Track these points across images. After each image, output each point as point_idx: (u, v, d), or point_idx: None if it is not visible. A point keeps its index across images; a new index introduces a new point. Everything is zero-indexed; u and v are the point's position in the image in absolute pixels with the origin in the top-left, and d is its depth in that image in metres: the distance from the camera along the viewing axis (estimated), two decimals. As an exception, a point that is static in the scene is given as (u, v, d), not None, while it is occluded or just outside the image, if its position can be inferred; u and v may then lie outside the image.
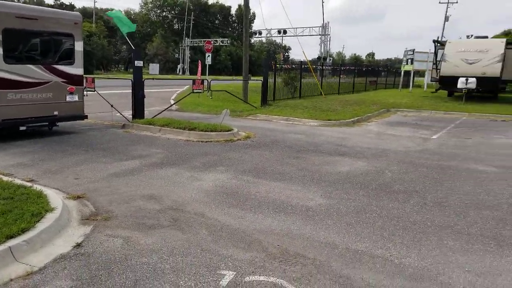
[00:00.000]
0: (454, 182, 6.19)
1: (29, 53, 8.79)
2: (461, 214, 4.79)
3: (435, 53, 21.85)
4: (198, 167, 6.65)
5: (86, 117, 10.11)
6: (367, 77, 30.46)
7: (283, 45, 78.49)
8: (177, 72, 69.23)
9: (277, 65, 18.43)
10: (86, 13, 71.10)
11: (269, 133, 10.48)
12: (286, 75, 19.37)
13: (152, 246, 3.65)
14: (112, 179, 5.81)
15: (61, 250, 3.49)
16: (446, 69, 19.47)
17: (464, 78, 18.07)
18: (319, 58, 31.99)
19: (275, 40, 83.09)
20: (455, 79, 18.48)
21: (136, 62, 11.30)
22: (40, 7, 13.18)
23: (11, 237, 3.35)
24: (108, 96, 12.61)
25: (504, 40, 20.02)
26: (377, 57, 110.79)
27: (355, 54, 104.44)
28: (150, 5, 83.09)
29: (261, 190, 5.49)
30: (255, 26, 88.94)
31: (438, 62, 21.11)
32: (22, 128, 8.67)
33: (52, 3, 70.26)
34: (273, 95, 17.48)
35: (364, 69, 31.81)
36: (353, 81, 27.25)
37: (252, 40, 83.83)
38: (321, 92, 22.09)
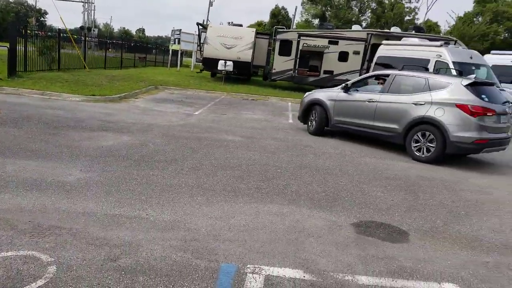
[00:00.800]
0: (208, 150, 7.21)
1: None
2: (210, 175, 5.71)
3: (199, 36, 23.77)
4: None
5: None
6: (136, 53, 30.28)
7: (37, 8, 67.80)
8: None
9: (29, 31, 16.03)
10: None
11: (19, 108, 9.24)
12: (41, 43, 17.09)
13: None
14: None
15: None
16: (208, 52, 21.56)
17: (223, 61, 20.44)
18: (82, 28, 29.44)
19: (26, 1, 70.76)
20: (216, 61, 20.67)
21: None
22: None
23: None
24: None
25: (254, 30, 23.69)
26: (148, 33, 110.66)
27: (124, 28, 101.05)
28: None
29: (8, 170, 4.95)
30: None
31: (201, 44, 23.06)
32: None
33: None
34: (25, 66, 15.13)
35: (133, 45, 31.44)
36: (121, 56, 26.56)
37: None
38: (84, 66, 20.63)
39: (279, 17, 50.09)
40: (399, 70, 9.26)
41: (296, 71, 20.44)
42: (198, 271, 3.12)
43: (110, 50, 26.39)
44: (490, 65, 15.82)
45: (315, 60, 20.68)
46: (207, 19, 33.31)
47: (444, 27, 47.39)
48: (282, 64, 20.80)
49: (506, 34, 44.19)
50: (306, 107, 10.11)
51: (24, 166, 5.18)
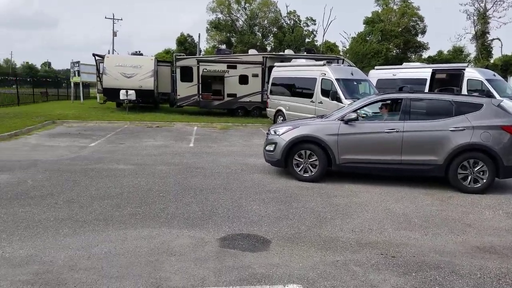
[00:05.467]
0: (92, 181, 7.25)
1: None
2: (85, 206, 5.79)
3: (97, 67, 23.39)
4: None
5: None
6: (35, 87, 28.65)
7: None
8: None
9: None
10: None
11: None
12: None
13: None
14: None
15: None
16: (108, 82, 21.28)
17: (125, 91, 20.29)
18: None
19: None
20: (117, 91, 20.45)
21: None
22: None
23: None
24: None
25: (154, 57, 23.92)
26: (55, 66, 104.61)
27: (28, 62, 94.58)
28: None
29: None
30: None
31: (100, 74, 22.68)
32: None
33: None
34: None
35: (30, 79, 29.68)
36: (17, 92, 24.94)
37: None
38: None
39: (186, 44, 50.92)
40: (397, 91, 8.98)
41: (201, 96, 21.04)
42: (42, 300, 3.27)
43: (13, 86, 24.94)
44: (376, 79, 18.02)
45: (217, 84, 21.50)
46: (113, 49, 32.80)
47: (341, 47, 52.00)
48: (186, 89, 21.28)
49: (398, 50, 49.76)
50: (289, 146, 7.87)
51: None
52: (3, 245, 4.29)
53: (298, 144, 7.89)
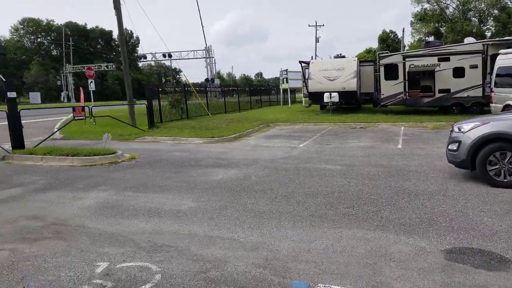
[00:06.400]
0: (304, 179, 7.69)
1: None
2: (301, 202, 6.16)
3: (303, 73, 24.91)
4: (80, 188, 7.11)
5: None
6: (252, 96, 32.92)
7: (172, 67, 79.16)
8: (62, 99, 64.95)
9: (159, 89, 19.23)
10: None
11: (154, 153, 11.17)
12: (171, 98, 20.22)
13: (37, 253, 4.25)
14: (-8, 207, 6.02)
15: None
16: (313, 86, 22.40)
17: (328, 93, 20.97)
18: (207, 80, 33.59)
19: (164, 63, 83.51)
20: (321, 94, 21.34)
21: (8, 93, 11.10)
22: None
23: None
24: (-22, 128, 11.96)
25: (356, 58, 23.82)
26: (265, 76, 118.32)
27: (244, 74, 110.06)
28: (22, 32, 76.63)
29: (139, 201, 6.24)
30: (141, 49, 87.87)
31: (306, 80, 24.08)
32: None
33: None
34: (160, 117, 18.14)
35: (247, 89, 34.39)
36: (238, 101, 29.22)
37: (140, 64, 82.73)
38: (208, 112, 23.36)
39: (388, 41, 48.69)
40: None
41: (407, 94, 19.68)
42: (271, 285, 3.58)
43: (229, 96, 29.50)
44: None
45: (426, 80, 19.68)
46: (315, 55, 34.42)
47: None
48: (390, 88, 20.30)
49: None
50: (476, 145, 6.93)
51: (151, 198, 6.44)
52: (237, 230, 4.95)
53: (487, 143, 6.83)
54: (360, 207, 5.83)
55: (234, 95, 31.41)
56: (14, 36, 76.79)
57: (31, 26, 76.66)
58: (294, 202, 6.13)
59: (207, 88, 26.57)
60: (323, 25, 56.65)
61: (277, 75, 36.59)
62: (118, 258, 4.09)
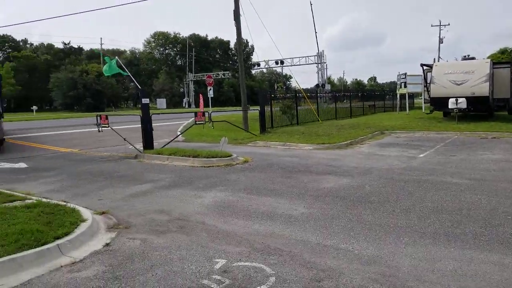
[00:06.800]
0: (426, 193, 7.05)
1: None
2: (422, 218, 5.66)
3: (424, 76, 22.99)
4: (200, 188, 7.66)
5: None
6: (364, 101, 31.66)
7: (283, 74, 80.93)
8: (183, 105, 71.53)
9: (272, 96, 19.75)
10: (94, 55, 74.55)
11: (266, 157, 11.49)
12: (282, 104, 20.61)
13: (163, 244, 4.68)
14: (129, 199, 6.92)
15: (94, 248, 4.57)
16: (435, 91, 20.51)
17: (454, 99, 19.01)
18: (317, 85, 33.46)
19: (275, 70, 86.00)
20: (445, 100, 19.44)
21: (143, 100, 12.60)
22: None
23: (58, 238, 4.47)
24: (120, 131, 13.81)
25: (489, 60, 21.11)
26: (379, 80, 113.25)
27: (356, 79, 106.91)
28: (153, 44, 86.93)
29: (253, 203, 6.45)
30: (255, 57, 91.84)
31: (428, 84, 22.18)
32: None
33: (62, 47, 73.86)
34: (271, 123, 18.63)
35: (360, 94, 33.15)
36: (349, 106, 28.39)
37: (253, 71, 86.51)
38: (318, 118, 23.21)
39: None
40: None
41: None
42: (391, 302, 3.33)
43: (344, 101, 28.87)
44: None
45: None
46: (438, 57, 31.62)
47: None
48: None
49: None
50: None
51: (263, 201, 6.61)
52: (352, 241, 4.75)
53: None
54: (494, 228, 5.11)
55: (345, 101, 30.66)
56: (146, 49, 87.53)
57: (161, 39, 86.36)
58: (414, 217, 5.66)
59: (317, 94, 26.43)
60: (448, 25, 51.64)
61: (392, 79, 34.73)
62: (234, 256, 4.26)
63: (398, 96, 32.63)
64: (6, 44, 74.81)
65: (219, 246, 4.59)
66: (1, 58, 72.61)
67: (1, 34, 72.93)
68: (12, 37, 75.53)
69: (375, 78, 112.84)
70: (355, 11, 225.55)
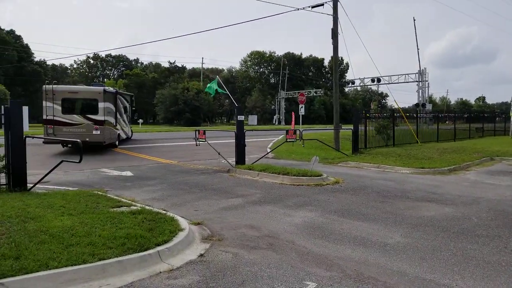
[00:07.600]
0: (548, 231, 6.12)
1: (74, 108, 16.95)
2: (544, 259, 4.90)
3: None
4: (290, 206, 7.65)
5: (105, 143, 16.96)
6: (471, 123, 28.87)
7: (379, 92, 77.80)
8: (274, 122, 72.85)
9: (367, 115, 19.03)
10: (195, 73, 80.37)
11: (357, 179, 11.07)
12: (377, 123, 19.74)
13: (254, 260, 4.73)
14: (222, 212, 7.20)
15: (190, 257, 4.81)
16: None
17: None
18: (416, 105, 31.42)
19: (370, 88, 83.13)
20: None
21: (238, 117, 13.16)
22: (80, 86, 20.46)
23: (158, 244, 4.81)
24: (213, 145, 14.58)
25: None
26: (489, 100, 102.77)
27: (461, 98, 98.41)
28: (249, 63, 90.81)
29: (345, 227, 6.22)
30: (349, 75, 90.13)
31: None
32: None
33: (168, 65, 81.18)
34: (365, 143, 17.94)
35: (465, 115, 30.27)
36: (454, 128, 26.11)
37: (346, 89, 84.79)
38: (417, 140, 21.74)
39: None
40: None
41: None
42: None
43: (447, 122, 26.68)
44: None
45: None
46: None
47: None
48: None
49: None
50: None
51: (356, 226, 6.34)
52: (456, 278, 4.30)
53: None
54: None
55: (447, 122, 28.26)
56: (242, 67, 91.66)
57: (256, 58, 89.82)
58: (533, 258, 4.93)
59: (417, 114, 24.78)
60: None
61: (504, 99, 31.13)
62: (325, 281, 4.13)
63: (511, 118, 29.14)
64: (121, 63, 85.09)
65: (309, 268, 4.49)
66: (116, 76, 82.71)
67: (117, 54, 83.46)
68: (126, 56, 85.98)
69: (483, 98, 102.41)
70: (463, 25, 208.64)
